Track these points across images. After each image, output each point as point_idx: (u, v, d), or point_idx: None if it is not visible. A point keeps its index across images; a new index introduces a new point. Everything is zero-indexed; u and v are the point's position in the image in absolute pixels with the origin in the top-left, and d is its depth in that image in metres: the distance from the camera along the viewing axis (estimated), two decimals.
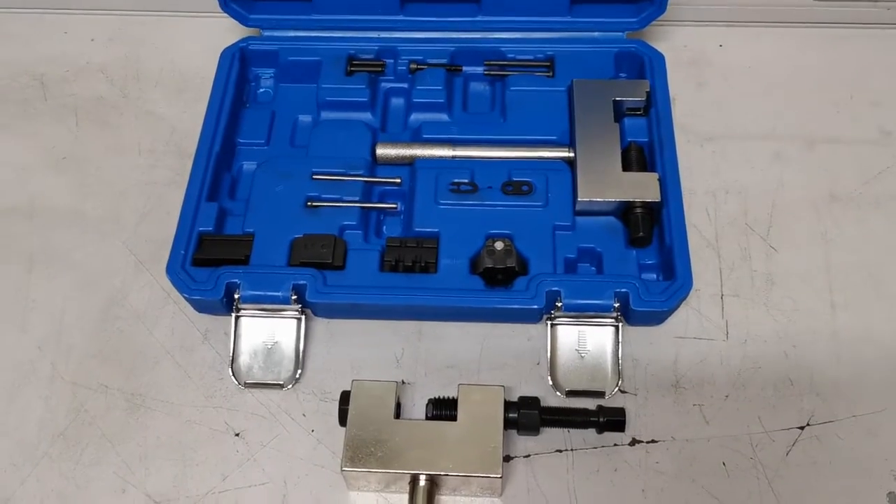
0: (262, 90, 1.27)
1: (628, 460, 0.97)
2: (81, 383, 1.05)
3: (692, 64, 1.31)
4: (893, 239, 1.12)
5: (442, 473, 0.91)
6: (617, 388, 1.00)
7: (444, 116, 1.20)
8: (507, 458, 0.97)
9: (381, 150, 1.16)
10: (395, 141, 1.17)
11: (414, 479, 0.92)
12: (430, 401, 0.98)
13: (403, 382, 1.03)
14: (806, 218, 1.15)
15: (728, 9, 1.33)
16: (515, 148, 1.15)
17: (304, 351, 1.04)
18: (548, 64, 1.23)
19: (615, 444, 0.98)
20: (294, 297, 1.02)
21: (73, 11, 1.41)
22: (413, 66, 1.24)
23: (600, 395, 1.00)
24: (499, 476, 0.91)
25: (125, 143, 1.26)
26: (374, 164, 1.16)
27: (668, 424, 0.99)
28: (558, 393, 1.01)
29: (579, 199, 1.07)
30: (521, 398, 0.97)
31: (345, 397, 0.97)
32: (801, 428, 0.99)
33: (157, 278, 1.12)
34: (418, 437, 0.93)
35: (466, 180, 1.12)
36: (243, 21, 1.26)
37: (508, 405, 0.96)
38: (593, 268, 1.08)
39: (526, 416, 0.96)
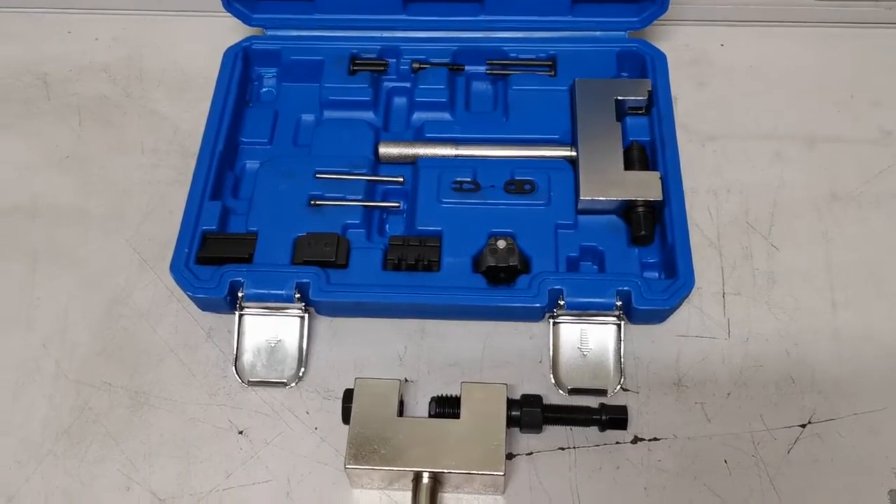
0: (265, 89, 1.27)
1: (630, 458, 0.98)
2: (85, 381, 1.05)
3: (694, 63, 1.31)
4: (894, 238, 1.13)
5: (445, 471, 0.91)
6: (619, 387, 1.01)
7: (446, 115, 1.21)
8: (509, 456, 0.98)
9: (384, 149, 1.16)
10: (397, 140, 1.18)
11: (417, 477, 0.93)
12: (432, 399, 0.98)
13: (406, 380, 1.03)
14: (807, 217, 1.15)
15: (730, 8, 1.34)
16: (518, 147, 1.15)
17: (307, 349, 1.05)
18: (550, 63, 1.24)
19: (617, 442, 0.99)
20: (297, 296, 1.02)
21: (76, 11, 1.42)
22: (415, 65, 1.24)
23: (602, 393, 1.01)
24: (501, 473, 0.91)
25: (128, 142, 1.26)
26: (377, 162, 1.17)
27: (670, 422, 1.00)
28: (560, 391, 1.01)
29: (581, 198, 1.08)
30: (524, 396, 0.98)
31: (348, 395, 0.97)
32: (803, 426, 0.99)
33: (160, 277, 1.12)
34: (421, 434, 0.94)
35: (469, 179, 1.12)
36: (246, 21, 1.27)
37: (511, 403, 0.96)
38: (595, 266, 1.08)
39: (528, 413, 0.96)
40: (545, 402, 0.98)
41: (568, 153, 1.14)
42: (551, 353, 1.02)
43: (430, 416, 0.97)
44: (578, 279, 1.02)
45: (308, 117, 1.22)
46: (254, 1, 1.27)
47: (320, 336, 1.07)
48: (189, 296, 1.04)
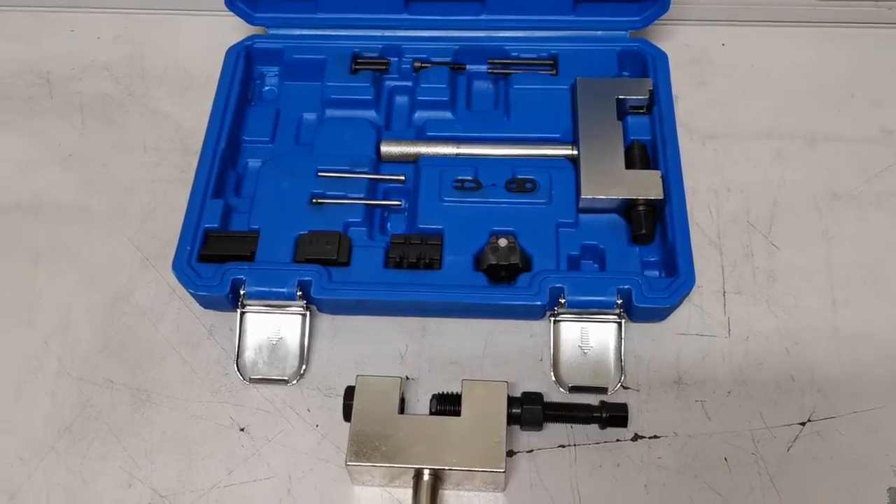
0: (267, 88, 1.27)
1: (631, 456, 0.98)
2: (87, 378, 1.06)
3: (695, 63, 1.31)
4: (894, 237, 1.13)
5: (446, 468, 0.92)
6: (619, 385, 1.01)
7: (448, 114, 1.21)
8: (510, 453, 0.98)
9: (386, 148, 1.17)
10: (399, 139, 1.18)
11: (418, 474, 0.93)
12: (433, 396, 0.98)
13: (407, 378, 1.04)
14: (807, 216, 1.15)
15: (730, 8, 1.34)
16: (519, 146, 1.16)
17: (308, 347, 1.05)
18: (551, 62, 1.24)
19: (618, 440, 0.99)
20: (299, 294, 1.02)
21: (78, 9, 1.42)
22: (417, 64, 1.24)
23: (603, 391, 1.01)
24: (502, 471, 0.91)
25: (131, 140, 1.27)
26: (379, 161, 1.17)
27: (671, 420, 1.00)
28: (561, 389, 1.01)
29: (582, 197, 1.08)
30: (525, 394, 0.98)
31: (349, 393, 0.97)
32: (803, 424, 1.00)
33: (162, 274, 1.13)
34: (422, 432, 0.94)
35: (470, 178, 1.12)
36: (248, 19, 1.27)
37: (512, 401, 0.96)
38: (596, 265, 1.08)
39: (529, 411, 0.96)
40: (546, 399, 0.98)
41: (569, 152, 1.14)
42: (552, 351, 1.02)
43: (431, 413, 0.98)
44: (579, 277, 1.02)
45: (310, 116, 1.23)
46: (256, 0, 1.27)
47: (322, 334, 1.08)
48: (191, 293, 1.05)
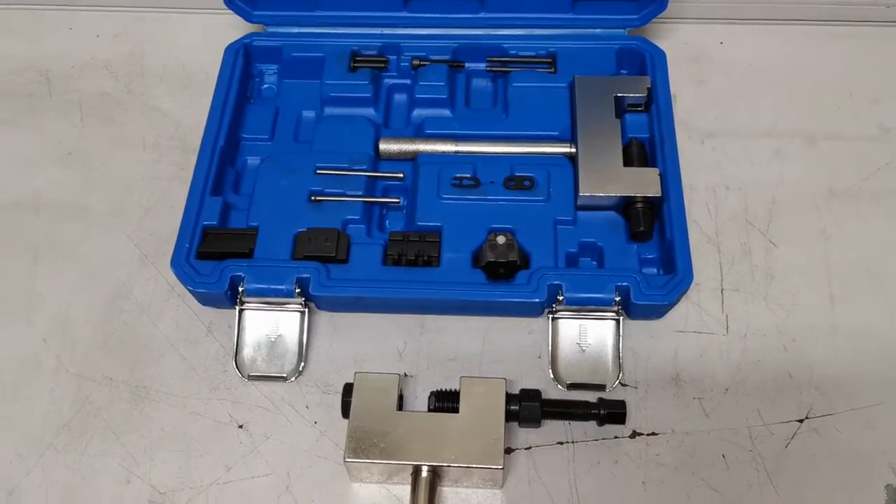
0: (265, 86, 1.28)
1: (629, 452, 0.98)
2: (86, 375, 1.06)
3: (693, 61, 1.32)
4: (892, 235, 1.13)
5: (444, 465, 0.92)
6: (617, 382, 1.01)
7: (446, 112, 1.21)
8: (508, 450, 0.98)
9: (384, 146, 1.17)
10: (398, 136, 1.18)
11: (416, 471, 0.93)
12: (432, 393, 0.98)
13: (406, 375, 1.04)
14: (806, 214, 1.15)
15: (729, 6, 1.34)
16: (517, 143, 1.16)
17: (307, 344, 1.05)
18: (550, 60, 1.24)
19: (616, 437, 0.99)
20: (298, 291, 1.03)
21: (78, 7, 1.42)
22: (416, 62, 1.24)
23: (601, 388, 1.01)
24: (500, 467, 0.91)
25: (130, 138, 1.27)
26: (377, 159, 1.17)
27: (669, 417, 1.00)
28: (559, 386, 1.02)
29: (581, 194, 1.08)
30: (523, 391, 0.98)
31: (348, 389, 0.98)
32: (800, 421, 1.00)
33: (161, 272, 1.13)
34: (420, 428, 0.94)
35: (469, 175, 1.12)
36: (247, 17, 1.27)
37: (510, 398, 0.96)
38: (594, 262, 1.09)
39: (527, 408, 0.96)
40: (544, 396, 0.98)
41: (567, 150, 1.14)
42: (550, 348, 1.02)
43: (430, 410, 0.98)
44: (577, 275, 1.02)
45: (309, 114, 1.23)
46: None
47: (320, 331, 1.08)
48: (190, 290, 1.05)
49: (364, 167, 1.14)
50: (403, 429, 0.94)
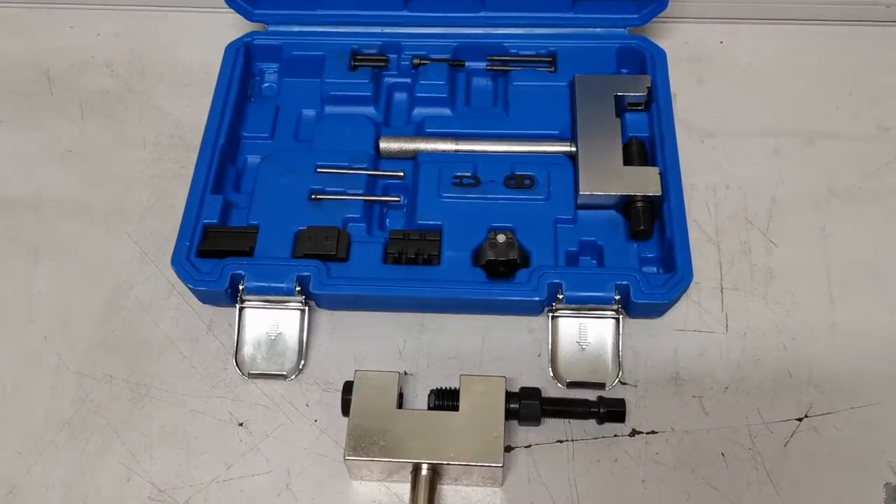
0: (266, 84, 1.28)
1: (628, 451, 0.98)
2: (87, 373, 1.06)
3: (693, 60, 1.32)
4: (891, 234, 1.13)
5: (444, 463, 0.92)
6: (617, 380, 1.01)
7: (446, 111, 1.22)
8: (508, 449, 0.98)
9: (385, 144, 1.17)
10: (398, 135, 1.18)
11: (416, 469, 0.93)
12: (432, 391, 0.99)
13: (406, 373, 1.04)
14: (805, 213, 1.16)
15: (729, 6, 1.34)
16: (517, 142, 1.16)
17: (307, 342, 1.05)
18: (550, 59, 1.24)
19: (615, 435, 0.99)
20: (298, 289, 1.03)
21: (79, 6, 1.42)
22: (416, 61, 1.25)
23: (601, 386, 1.01)
24: (500, 465, 0.92)
25: (130, 136, 1.27)
26: (378, 157, 1.17)
27: (668, 416, 1.00)
28: (559, 384, 1.02)
29: (581, 193, 1.08)
30: (523, 389, 0.98)
31: (348, 387, 0.98)
32: (800, 420, 1.00)
33: (161, 270, 1.13)
34: (420, 426, 0.94)
35: (469, 174, 1.12)
36: (248, 16, 1.27)
37: (510, 396, 0.97)
38: (594, 261, 1.09)
39: (527, 406, 0.97)
40: (544, 395, 0.98)
41: (567, 148, 1.15)
42: (550, 346, 1.02)
43: (430, 408, 0.98)
44: (577, 273, 1.03)
45: (309, 112, 1.23)
46: None
47: (320, 329, 1.08)
48: (190, 289, 1.05)
49: (364, 166, 1.14)
50: (403, 427, 0.94)
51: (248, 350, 1.05)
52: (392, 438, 0.93)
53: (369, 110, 1.22)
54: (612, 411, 0.98)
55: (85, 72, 1.35)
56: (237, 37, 1.26)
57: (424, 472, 0.93)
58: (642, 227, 1.07)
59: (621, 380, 1.02)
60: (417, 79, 1.23)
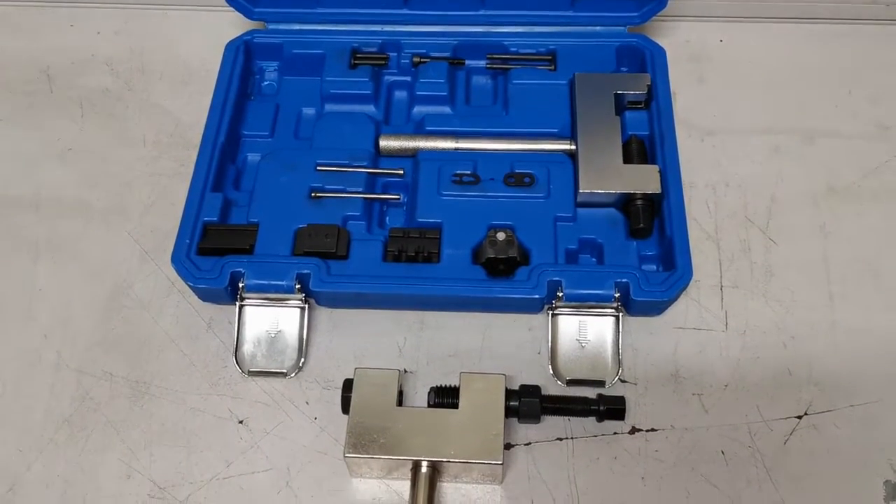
0: (266, 83, 1.28)
1: (628, 448, 0.98)
2: (87, 371, 1.06)
3: (693, 59, 1.32)
4: (891, 232, 1.13)
5: (444, 460, 0.92)
6: (617, 378, 1.01)
7: (446, 109, 1.22)
8: (507, 446, 0.98)
9: (385, 143, 1.17)
10: (398, 133, 1.18)
11: (416, 466, 0.93)
12: (431, 389, 0.99)
13: (406, 371, 1.04)
14: (805, 211, 1.16)
15: (729, 4, 1.34)
16: (517, 140, 1.16)
17: (307, 340, 1.05)
18: (550, 58, 1.24)
19: (615, 433, 0.99)
20: (298, 287, 1.03)
21: (79, 4, 1.42)
22: (416, 59, 1.25)
23: (600, 384, 1.01)
24: (500, 463, 0.92)
25: (130, 134, 1.27)
26: (378, 155, 1.17)
27: (668, 413, 1.00)
28: (559, 382, 1.02)
29: (581, 191, 1.08)
30: (522, 386, 0.98)
31: (347, 385, 0.98)
32: (799, 417, 1.00)
33: (161, 268, 1.13)
34: (420, 424, 0.94)
35: (469, 172, 1.13)
36: (248, 14, 1.27)
37: (509, 393, 0.97)
38: (594, 259, 1.09)
39: (527, 404, 0.97)
40: (543, 392, 0.98)
41: (567, 147, 1.15)
42: (550, 344, 1.02)
43: (430, 406, 0.98)
44: (577, 271, 1.03)
45: (309, 110, 1.23)
46: None
47: (320, 327, 1.08)
48: (190, 286, 1.05)
49: (364, 164, 1.15)
50: (403, 424, 0.94)
51: (248, 348, 1.05)
52: (392, 436, 0.93)
53: (369, 108, 1.22)
54: (612, 409, 0.98)
55: (85, 70, 1.35)
56: (237, 35, 1.26)
57: (424, 469, 0.93)
58: (642, 224, 1.07)
59: (621, 377, 1.02)
60: (417, 77, 1.23)
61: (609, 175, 1.09)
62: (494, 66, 1.25)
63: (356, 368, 0.98)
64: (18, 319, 1.10)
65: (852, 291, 1.09)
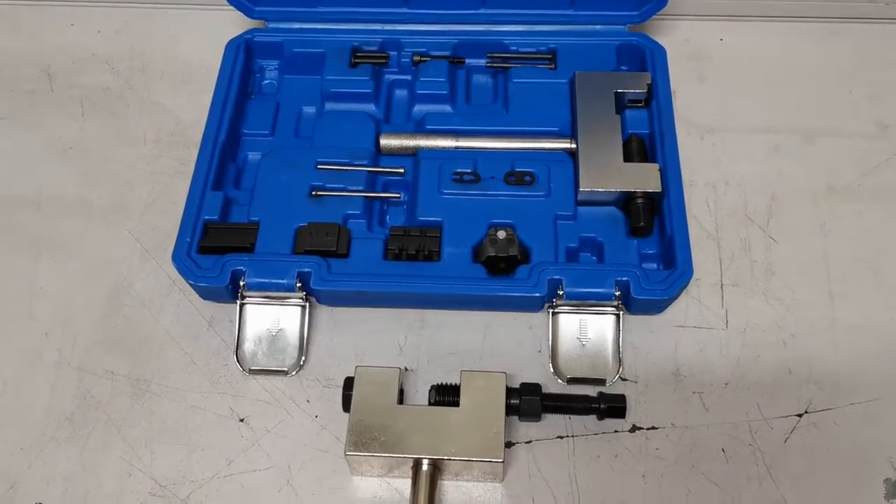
0: (266, 81, 1.28)
1: (629, 446, 0.99)
2: (88, 369, 1.06)
3: (693, 57, 1.32)
4: (890, 230, 1.14)
5: (445, 458, 0.92)
6: (617, 376, 1.02)
7: (447, 108, 1.22)
8: (508, 444, 0.98)
9: (385, 141, 1.17)
10: (398, 132, 1.18)
11: (417, 464, 0.93)
12: (432, 387, 0.99)
13: (406, 369, 1.04)
14: (805, 209, 1.16)
15: (729, 3, 1.34)
16: (518, 139, 1.16)
17: (307, 338, 1.05)
18: (550, 56, 1.24)
19: (616, 431, 1.00)
20: (299, 285, 1.03)
21: (79, 3, 1.42)
22: (416, 58, 1.25)
23: (601, 382, 1.01)
24: (500, 461, 0.92)
25: (131, 133, 1.27)
26: (378, 154, 1.17)
27: (668, 411, 1.01)
28: (559, 380, 1.02)
29: (581, 190, 1.08)
30: (523, 385, 0.98)
31: (348, 383, 0.98)
32: (800, 415, 1.00)
33: (162, 266, 1.13)
34: (421, 422, 0.95)
35: (469, 170, 1.13)
36: (248, 13, 1.27)
37: (510, 391, 0.97)
38: (594, 257, 1.09)
39: (527, 402, 0.97)
40: (544, 391, 0.98)
41: (568, 145, 1.15)
42: (550, 342, 1.02)
43: (430, 404, 0.98)
44: (578, 269, 1.03)
45: (309, 109, 1.23)
46: None
47: (321, 325, 1.08)
48: (191, 285, 1.05)
49: (365, 162, 1.15)
50: (404, 422, 0.94)
51: (248, 346, 1.05)
52: (393, 434, 0.94)
53: (370, 107, 1.22)
54: (613, 407, 0.98)
55: (85, 69, 1.35)
56: (237, 34, 1.26)
57: (425, 467, 0.93)
58: (642, 223, 1.07)
59: (621, 376, 1.03)
60: (418, 76, 1.23)
61: (609, 173, 1.09)
62: (495, 64, 1.26)
63: (357, 366, 0.98)
64: (19, 318, 1.11)
65: (852, 290, 1.09)
